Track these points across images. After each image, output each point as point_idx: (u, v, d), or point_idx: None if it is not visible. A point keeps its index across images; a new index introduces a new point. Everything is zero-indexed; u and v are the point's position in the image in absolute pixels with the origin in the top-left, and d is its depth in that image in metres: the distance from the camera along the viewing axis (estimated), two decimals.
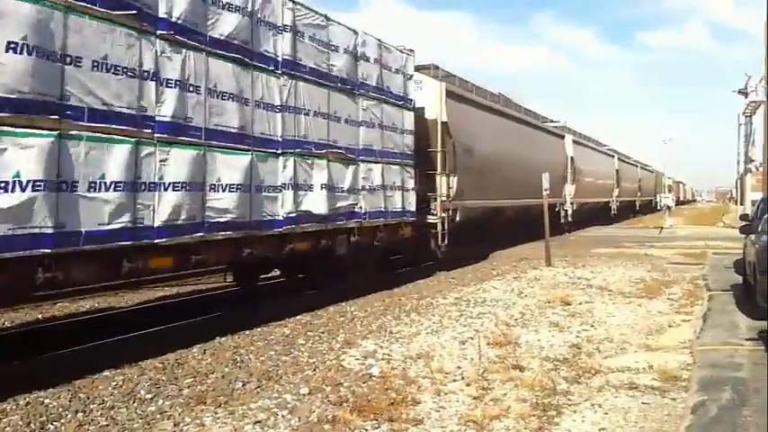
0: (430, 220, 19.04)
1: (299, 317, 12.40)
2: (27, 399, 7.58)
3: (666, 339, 10.81)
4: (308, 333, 11.14)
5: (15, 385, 7.78)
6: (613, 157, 52.21)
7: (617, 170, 51.63)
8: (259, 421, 6.92)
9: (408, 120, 17.56)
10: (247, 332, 11.07)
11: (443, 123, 19.53)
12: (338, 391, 7.89)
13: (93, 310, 13.61)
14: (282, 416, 7.08)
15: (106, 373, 8.63)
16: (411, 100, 17.78)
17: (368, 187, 15.40)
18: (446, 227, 19.21)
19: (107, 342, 10.40)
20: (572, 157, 36.60)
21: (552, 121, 37.35)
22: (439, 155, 19.32)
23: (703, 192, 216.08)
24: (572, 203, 35.97)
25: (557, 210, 33.38)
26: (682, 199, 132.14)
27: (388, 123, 16.44)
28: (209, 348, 10.03)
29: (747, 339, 10.44)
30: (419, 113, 18.51)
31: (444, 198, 19.46)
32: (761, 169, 44.34)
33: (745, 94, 44.53)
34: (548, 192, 22.53)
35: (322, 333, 11.15)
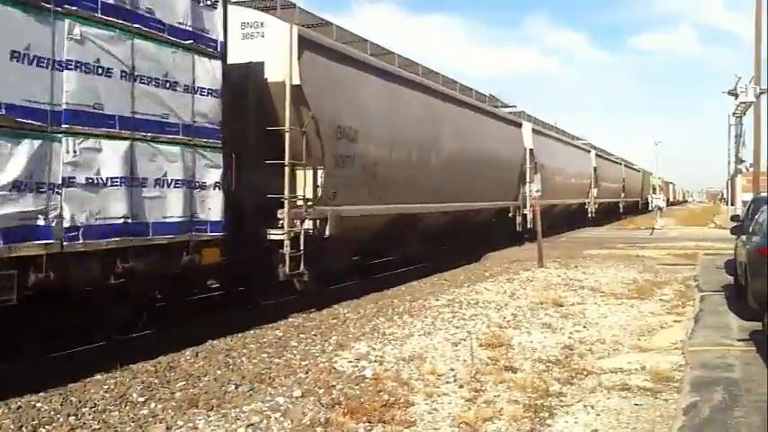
0: (273, 236, 12.73)
1: (290, 319, 12.39)
2: (18, 402, 7.56)
3: (658, 340, 10.86)
4: (301, 335, 11.13)
5: (7, 389, 7.75)
6: (590, 152, 47.33)
7: (594, 168, 47.03)
8: (252, 424, 6.90)
9: (208, 72, 10.81)
10: (239, 335, 11.04)
11: (295, 88, 12.95)
12: (331, 393, 7.88)
13: None
14: (275, 418, 7.06)
15: (98, 376, 8.60)
16: (215, 41, 11.00)
17: (83, 181, 8.69)
18: (302, 246, 12.91)
19: (99, 345, 10.35)
20: (531, 150, 29.77)
21: (507, 106, 30.47)
22: (287, 136, 12.75)
23: (694, 192, 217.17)
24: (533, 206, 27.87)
25: (510, 215, 27.19)
26: (672, 200, 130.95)
27: (152, 73, 9.77)
28: (202, 351, 10.01)
29: (739, 340, 10.48)
30: (249, 70, 12.66)
31: (301, 202, 13.23)
32: (751, 170, 44.54)
33: (735, 95, 44.66)
34: (539, 193, 22.38)
35: (314, 335, 11.14)
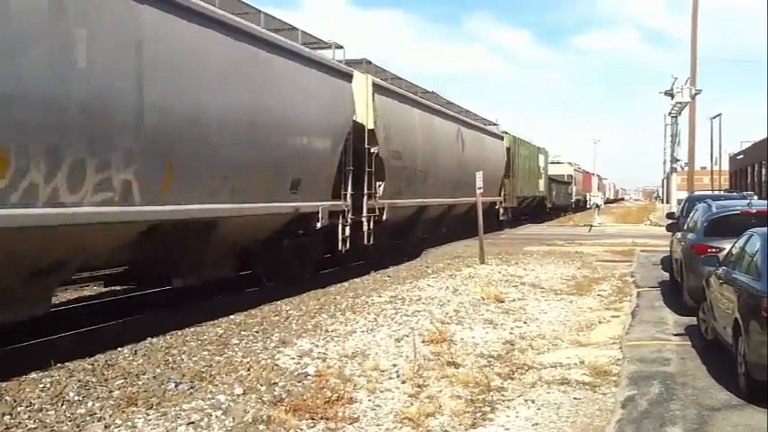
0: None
1: (232, 316, 12.25)
2: None
3: (597, 335, 11.03)
4: (243, 332, 11.02)
5: None
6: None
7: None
8: (192, 422, 6.81)
9: None
10: (179, 332, 10.88)
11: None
12: (273, 390, 7.82)
13: None
14: (216, 417, 6.98)
15: (33, 375, 8.39)
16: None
17: None
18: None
19: (33, 343, 10.09)
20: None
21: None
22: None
23: (631, 190, 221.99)
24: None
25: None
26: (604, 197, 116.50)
27: None
28: (141, 349, 9.84)
29: (675, 335, 10.73)
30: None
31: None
32: (686, 169, 45.64)
33: (672, 96, 45.66)
34: (481, 190, 22.63)
35: (256, 332, 11.03)
